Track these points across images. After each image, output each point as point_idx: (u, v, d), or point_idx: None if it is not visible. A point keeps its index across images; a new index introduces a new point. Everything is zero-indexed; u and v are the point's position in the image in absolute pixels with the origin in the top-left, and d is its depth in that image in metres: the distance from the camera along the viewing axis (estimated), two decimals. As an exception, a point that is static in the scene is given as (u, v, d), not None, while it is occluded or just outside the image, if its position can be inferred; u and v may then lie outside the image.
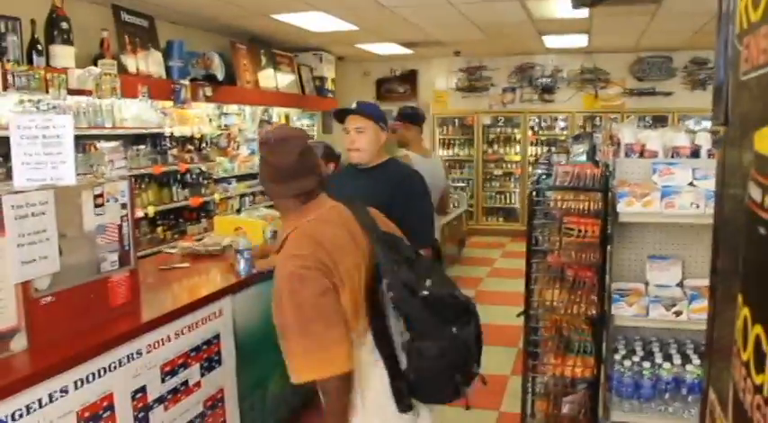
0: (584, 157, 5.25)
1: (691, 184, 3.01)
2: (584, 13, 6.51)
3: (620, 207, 2.80)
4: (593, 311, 2.82)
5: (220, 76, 6.83)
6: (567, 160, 5.48)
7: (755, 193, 0.73)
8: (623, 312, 2.88)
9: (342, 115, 3.25)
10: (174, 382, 2.90)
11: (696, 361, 2.89)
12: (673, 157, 3.24)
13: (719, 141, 0.93)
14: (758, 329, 0.69)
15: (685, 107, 10.00)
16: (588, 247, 2.82)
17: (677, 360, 2.92)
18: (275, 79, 8.13)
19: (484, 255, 9.72)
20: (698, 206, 2.82)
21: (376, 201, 3.15)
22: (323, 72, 9.31)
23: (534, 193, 2.93)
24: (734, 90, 0.84)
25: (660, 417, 2.86)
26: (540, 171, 5.63)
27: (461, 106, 11.15)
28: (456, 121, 11.43)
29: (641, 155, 3.27)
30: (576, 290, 2.84)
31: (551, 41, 9.01)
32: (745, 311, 0.74)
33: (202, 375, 3.10)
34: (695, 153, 3.27)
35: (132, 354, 2.67)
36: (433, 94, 11.23)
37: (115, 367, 2.58)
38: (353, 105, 3.25)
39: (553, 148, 6.51)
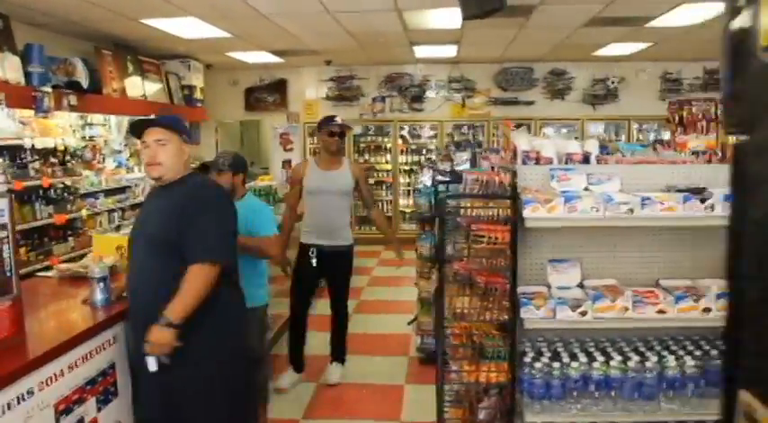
0: (467, 165, 5.40)
1: (586, 188, 3.15)
2: (456, 24, 6.71)
3: (527, 213, 2.86)
4: (506, 316, 2.87)
5: (85, 83, 6.39)
6: (452, 167, 5.60)
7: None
8: (531, 315, 2.95)
9: (139, 128, 2.98)
10: (69, 421, 2.64)
11: (600, 358, 3.01)
12: (566, 163, 3.38)
13: (741, 148, 0.95)
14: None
15: (545, 115, 10.58)
16: (499, 253, 2.86)
17: (583, 358, 3.02)
18: (143, 87, 7.73)
19: (360, 264, 9.72)
20: (597, 210, 2.94)
21: (169, 216, 2.85)
22: (191, 80, 8.97)
23: (443, 201, 2.92)
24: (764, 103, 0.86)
25: (571, 414, 2.95)
26: (425, 179, 5.72)
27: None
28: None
29: (537, 161, 3.38)
30: (488, 296, 2.87)
31: (421, 51, 9.21)
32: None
33: (99, 410, 2.85)
34: (586, 159, 3.43)
35: (23, 394, 2.39)
36: (302, 104, 11.15)
37: (3, 411, 2.30)
38: (152, 116, 3.07)
39: (433, 156, 6.58)
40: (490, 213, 2.85)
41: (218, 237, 2.87)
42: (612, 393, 2.99)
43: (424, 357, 5.55)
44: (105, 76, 6.92)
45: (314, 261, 4.79)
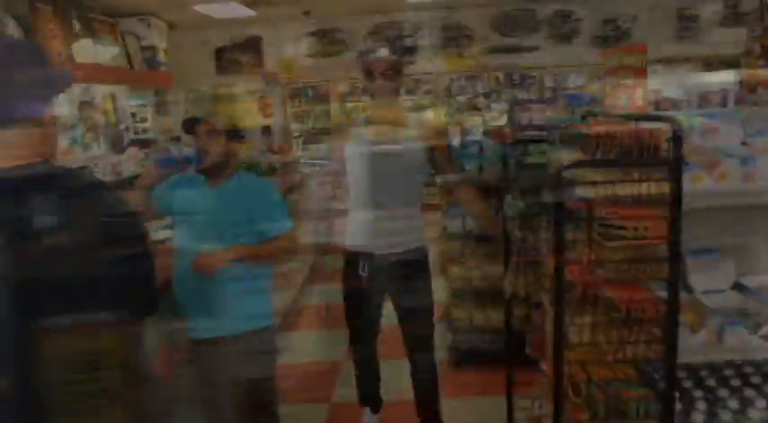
0: (504, 119, 4.35)
1: (744, 143, 2.11)
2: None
3: (688, 186, 1.81)
4: (655, 353, 1.83)
5: (16, 45, 5.14)
6: (483, 124, 4.55)
7: None
8: (688, 342, 1.92)
9: None
10: None
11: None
12: (699, 107, 2.33)
13: None
14: None
15: (552, 64, 9.47)
16: (644, 252, 1.80)
17: (760, 401, 2.01)
18: (95, 50, 6.45)
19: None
20: (788, 176, 1.90)
21: None
22: (153, 41, 7.65)
23: (559, 173, 1.79)
24: None
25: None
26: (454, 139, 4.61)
27: (314, 74, 9.91)
28: (309, 91, 10.22)
29: (656, 107, 2.32)
30: (630, 323, 1.82)
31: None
32: None
33: None
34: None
35: None
36: (281, 63, 9.89)
37: None
38: None
39: (466, 113, 5.38)
40: (632, 192, 1.77)
41: None
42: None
43: (458, 359, 4.58)
44: (46, 37, 5.64)
45: (364, 275, 3.11)
